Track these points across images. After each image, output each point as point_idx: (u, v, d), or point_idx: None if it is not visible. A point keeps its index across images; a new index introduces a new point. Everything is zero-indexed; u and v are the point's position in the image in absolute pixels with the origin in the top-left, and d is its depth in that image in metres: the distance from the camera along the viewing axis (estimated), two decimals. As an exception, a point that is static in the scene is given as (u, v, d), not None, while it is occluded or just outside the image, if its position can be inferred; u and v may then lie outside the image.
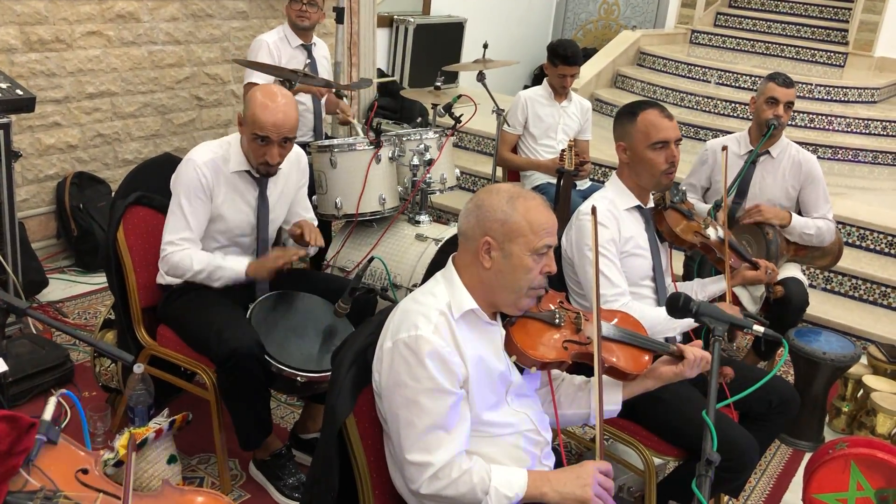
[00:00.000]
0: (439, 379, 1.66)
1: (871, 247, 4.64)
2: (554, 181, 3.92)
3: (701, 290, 2.70)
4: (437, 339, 1.68)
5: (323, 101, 4.22)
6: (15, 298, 1.84)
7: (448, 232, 3.34)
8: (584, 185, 4.26)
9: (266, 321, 2.57)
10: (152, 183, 2.74)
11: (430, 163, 3.43)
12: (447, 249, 3.22)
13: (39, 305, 3.75)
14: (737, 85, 6.61)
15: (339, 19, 5.19)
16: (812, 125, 6.16)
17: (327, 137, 4.25)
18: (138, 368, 2.56)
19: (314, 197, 3.23)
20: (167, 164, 2.73)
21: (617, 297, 2.38)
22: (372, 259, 3.11)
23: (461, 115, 3.70)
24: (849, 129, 6.13)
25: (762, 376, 1.87)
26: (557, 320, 1.91)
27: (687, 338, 2.57)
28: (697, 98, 6.52)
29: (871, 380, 3.36)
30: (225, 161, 2.59)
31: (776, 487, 3.04)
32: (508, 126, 4.25)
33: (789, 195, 3.43)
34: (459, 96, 3.78)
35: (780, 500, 2.98)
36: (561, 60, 4.08)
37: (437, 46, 6.62)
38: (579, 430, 2.97)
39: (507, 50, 7.13)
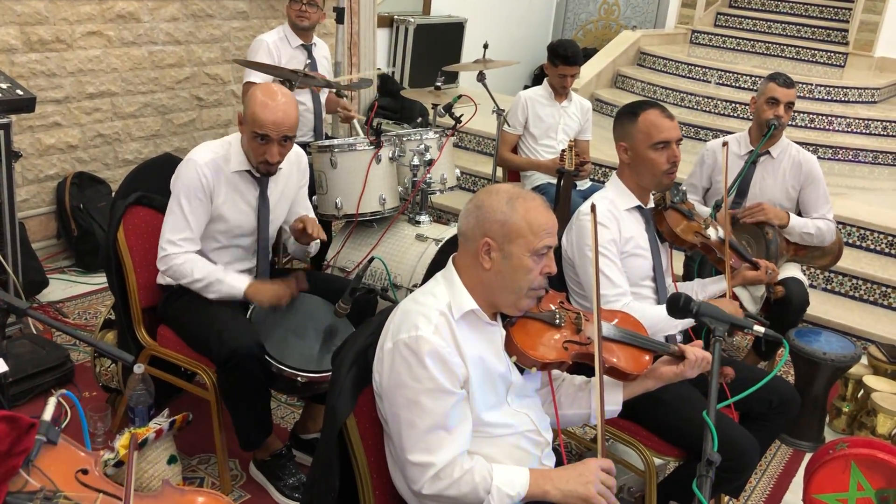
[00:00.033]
0: (440, 379, 1.66)
1: (872, 247, 4.64)
2: (554, 181, 3.92)
3: (701, 290, 2.70)
4: (438, 340, 1.68)
5: (323, 100, 4.22)
6: (15, 298, 1.84)
7: (448, 232, 3.34)
8: (584, 185, 4.26)
9: (266, 321, 2.57)
10: (153, 183, 2.74)
11: (430, 163, 3.43)
12: (447, 250, 3.22)
13: (40, 306, 3.75)
14: (737, 85, 6.61)
15: (340, 19, 5.19)
16: (812, 125, 6.16)
17: (327, 137, 4.25)
18: (138, 369, 2.56)
19: (314, 197, 3.23)
20: (167, 164, 2.73)
21: (619, 297, 2.38)
22: (372, 259, 3.10)
23: (461, 116, 3.70)
24: (849, 130, 6.13)
25: (763, 377, 1.87)
26: (558, 321, 1.91)
27: (687, 338, 2.57)
28: (697, 98, 6.53)
29: (871, 380, 3.36)
30: (226, 161, 2.58)
31: (776, 488, 3.04)
32: (509, 126, 4.25)
33: (789, 195, 3.43)
34: (460, 96, 3.78)
35: (780, 501, 2.98)
36: (561, 60, 4.08)
37: (438, 46, 6.62)
38: (579, 431, 2.97)
39: (507, 50, 7.13)
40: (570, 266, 2.51)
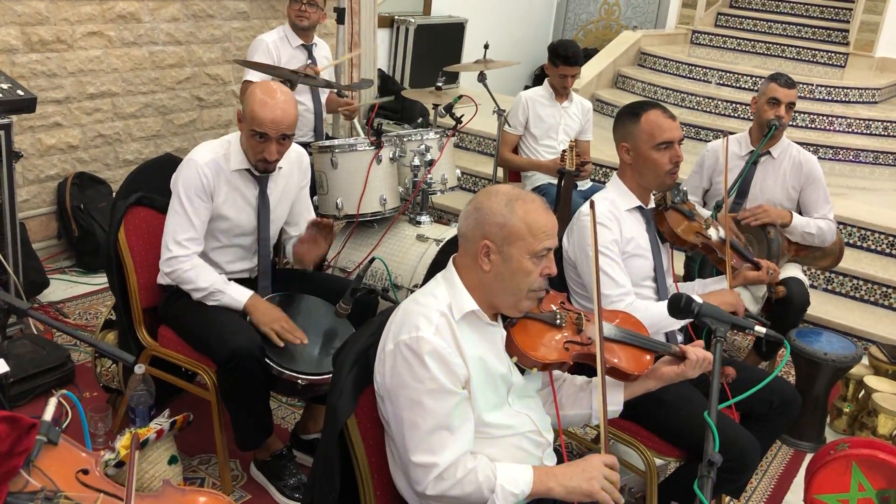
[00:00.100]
0: (441, 379, 1.66)
1: (872, 247, 4.63)
2: (555, 182, 3.92)
3: (702, 290, 2.70)
4: (438, 340, 1.68)
5: (323, 100, 4.23)
6: (16, 299, 1.85)
7: (449, 232, 3.33)
8: (584, 185, 4.26)
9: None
10: (153, 183, 2.74)
11: (430, 163, 3.43)
12: (448, 250, 3.22)
13: (40, 306, 3.75)
14: (737, 85, 6.61)
15: (340, 20, 5.19)
16: (813, 126, 6.16)
17: (328, 138, 4.25)
18: (139, 369, 2.56)
19: (315, 197, 3.23)
20: (168, 164, 2.73)
21: (622, 297, 2.38)
22: (373, 260, 3.10)
23: (462, 116, 3.70)
24: (849, 130, 6.13)
25: (764, 377, 1.87)
26: (558, 321, 1.91)
27: (688, 338, 2.57)
28: (698, 98, 6.53)
29: (872, 380, 3.35)
30: (226, 160, 2.58)
31: (777, 488, 3.04)
32: (509, 126, 4.25)
33: (790, 196, 3.43)
34: (460, 97, 3.78)
35: (781, 501, 2.97)
36: (562, 61, 4.08)
37: (438, 47, 6.62)
38: (580, 431, 2.97)
39: (507, 50, 7.13)
40: (571, 267, 2.50)
